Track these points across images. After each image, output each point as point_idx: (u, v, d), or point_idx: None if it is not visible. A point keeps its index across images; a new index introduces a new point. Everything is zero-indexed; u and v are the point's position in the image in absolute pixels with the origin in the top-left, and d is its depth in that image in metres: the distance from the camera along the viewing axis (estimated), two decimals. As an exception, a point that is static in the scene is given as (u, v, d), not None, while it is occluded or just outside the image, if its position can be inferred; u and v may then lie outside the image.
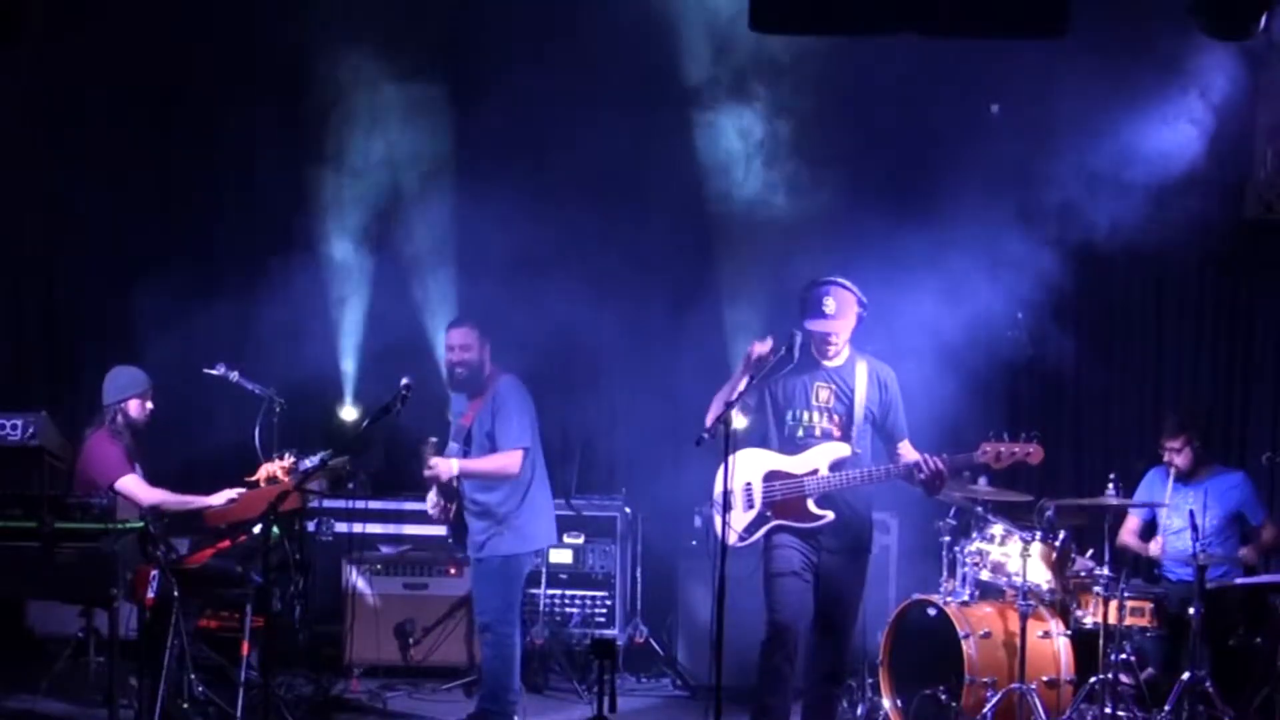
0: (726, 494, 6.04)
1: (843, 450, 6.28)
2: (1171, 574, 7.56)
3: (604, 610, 8.28)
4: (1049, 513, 7.13)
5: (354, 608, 8.05)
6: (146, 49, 8.76)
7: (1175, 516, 7.34)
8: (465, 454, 6.85)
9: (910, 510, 7.85)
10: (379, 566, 8.11)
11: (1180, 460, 7.48)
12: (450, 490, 6.88)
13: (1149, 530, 7.73)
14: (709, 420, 6.17)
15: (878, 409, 6.37)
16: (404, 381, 6.45)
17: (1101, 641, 6.88)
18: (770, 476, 6.33)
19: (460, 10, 8.53)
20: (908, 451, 6.36)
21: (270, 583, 6.86)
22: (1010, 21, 6.74)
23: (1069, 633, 7.05)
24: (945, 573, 7.26)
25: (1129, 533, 7.73)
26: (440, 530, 7.28)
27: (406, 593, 8.00)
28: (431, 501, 6.92)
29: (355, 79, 8.54)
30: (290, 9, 8.46)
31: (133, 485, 6.97)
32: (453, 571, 7.98)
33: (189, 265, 8.77)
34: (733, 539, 6.26)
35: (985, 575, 7.15)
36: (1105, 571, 6.93)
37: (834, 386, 6.34)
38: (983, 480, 7.22)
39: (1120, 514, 7.30)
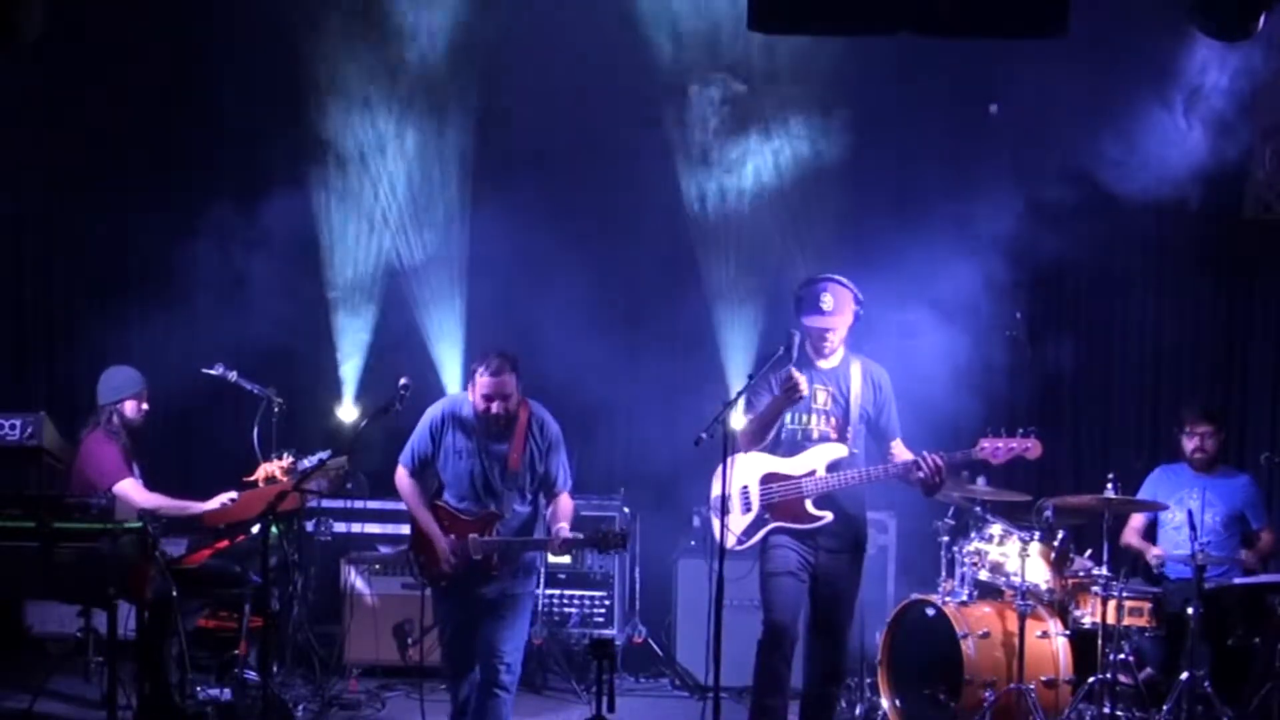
0: (725, 495, 6.04)
1: (840, 451, 6.28)
2: (1171, 572, 7.56)
3: (603, 610, 8.28)
4: (1047, 512, 7.13)
5: (352, 608, 8.04)
6: (147, 50, 8.78)
7: (1178, 511, 7.34)
8: (508, 500, 6.26)
9: (909, 510, 7.86)
10: (377, 566, 8.11)
11: (1210, 446, 7.52)
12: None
13: (1153, 529, 7.73)
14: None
15: (872, 409, 6.37)
16: (402, 381, 6.30)
17: (1100, 641, 6.88)
18: (768, 479, 6.33)
19: (461, 20, 8.53)
20: (900, 451, 6.37)
21: (269, 583, 6.83)
22: (1010, 21, 6.72)
23: (1068, 633, 7.05)
24: (944, 572, 7.26)
25: (1133, 532, 7.73)
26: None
27: (405, 593, 7.97)
28: (452, 549, 6.22)
29: (360, 84, 8.54)
30: (292, 9, 8.46)
31: (130, 490, 6.96)
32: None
33: (189, 265, 8.77)
34: (731, 542, 6.26)
35: (984, 575, 7.15)
36: (1104, 571, 6.93)
37: (830, 389, 6.34)
38: (981, 480, 7.23)
39: (1119, 513, 7.29)
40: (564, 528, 6.23)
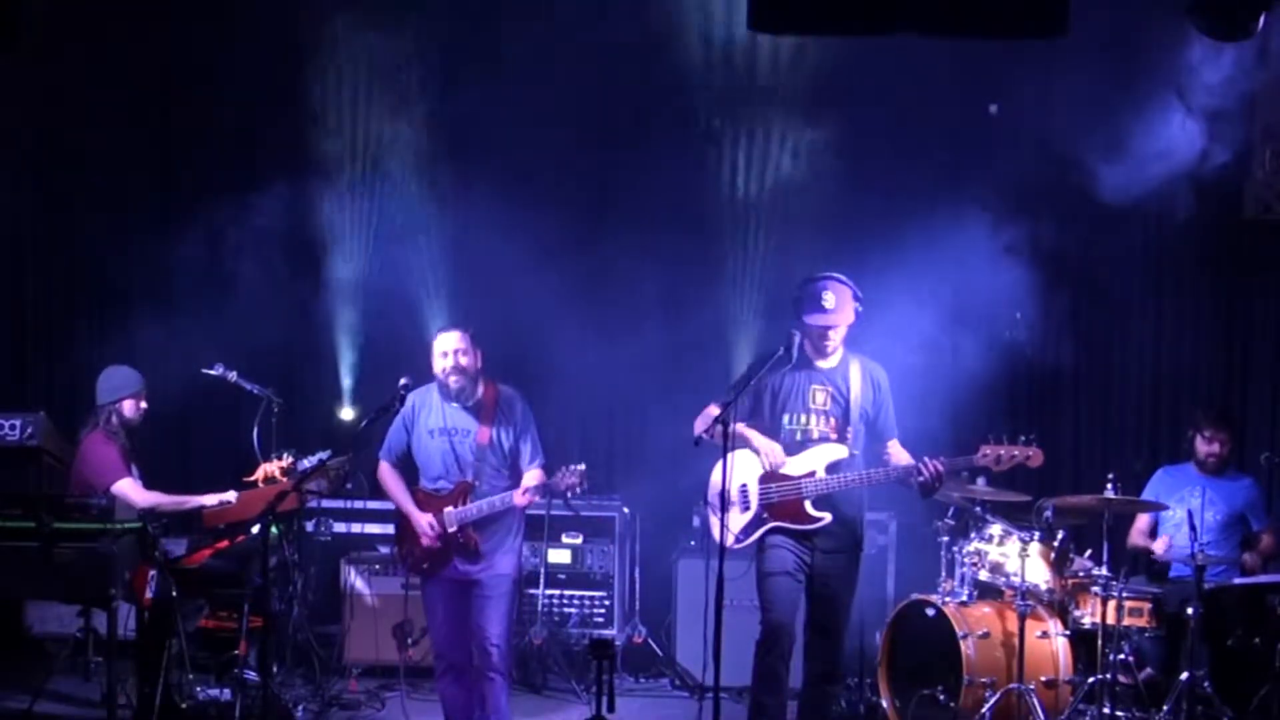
0: (725, 494, 6.04)
1: (840, 452, 6.27)
2: (1174, 571, 7.56)
3: (602, 610, 8.28)
4: (1047, 512, 7.13)
5: (352, 608, 8.05)
6: (146, 52, 8.79)
7: (1179, 509, 7.34)
8: (480, 470, 6.49)
9: (908, 510, 7.86)
10: (377, 566, 8.11)
11: (1226, 451, 7.53)
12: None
13: (1158, 530, 7.72)
14: (697, 426, 6.19)
15: (871, 408, 6.37)
16: (402, 381, 6.44)
17: (1100, 642, 6.88)
18: (766, 478, 6.32)
19: (459, 15, 8.52)
20: (896, 450, 6.36)
21: (268, 583, 6.84)
22: (1010, 21, 6.72)
23: (1067, 633, 7.05)
24: (944, 573, 7.26)
25: (1139, 533, 7.73)
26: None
27: (404, 592, 7.98)
28: (429, 522, 6.45)
29: (360, 84, 8.54)
30: (290, 12, 8.46)
31: (128, 488, 6.97)
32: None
33: (189, 265, 8.77)
34: (729, 540, 6.26)
35: (984, 575, 7.15)
36: (1104, 571, 6.93)
37: (830, 389, 6.33)
38: (981, 480, 7.22)
39: (1119, 513, 7.29)
40: (529, 485, 6.44)
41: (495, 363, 6.78)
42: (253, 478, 7.20)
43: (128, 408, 7.16)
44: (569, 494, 6.50)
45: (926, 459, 6.17)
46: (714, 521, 6.26)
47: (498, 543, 6.49)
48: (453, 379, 6.48)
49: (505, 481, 6.51)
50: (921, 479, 6.15)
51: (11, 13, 7.01)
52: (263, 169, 8.84)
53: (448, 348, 6.50)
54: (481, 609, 6.45)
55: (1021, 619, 6.83)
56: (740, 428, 6.28)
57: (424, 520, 6.46)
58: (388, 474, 6.64)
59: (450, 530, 6.42)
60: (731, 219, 8.59)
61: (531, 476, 6.50)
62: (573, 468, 6.40)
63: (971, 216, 8.04)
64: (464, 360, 6.48)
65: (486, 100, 8.59)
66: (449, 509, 6.43)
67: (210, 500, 7.10)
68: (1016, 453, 6.19)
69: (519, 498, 6.40)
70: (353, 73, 8.56)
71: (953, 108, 8.48)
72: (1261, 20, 6.76)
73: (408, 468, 6.66)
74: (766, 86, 8.38)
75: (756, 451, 6.32)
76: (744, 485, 6.36)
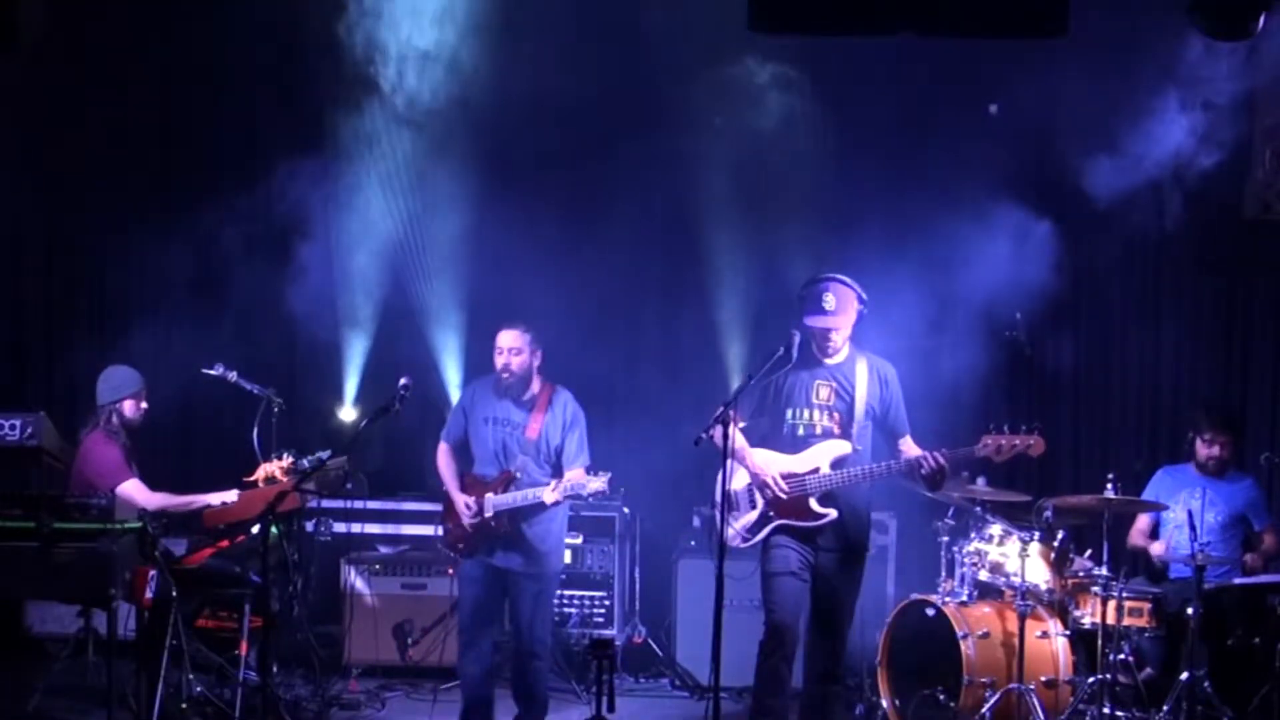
0: (726, 494, 6.04)
1: (844, 448, 6.28)
2: (1171, 571, 7.56)
3: (603, 610, 8.28)
4: (1047, 512, 7.13)
5: (352, 608, 8.05)
6: (146, 53, 8.79)
7: (1179, 511, 7.34)
8: (524, 463, 6.72)
9: (909, 510, 7.86)
10: (377, 566, 8.12)
11: (1227, 454, 7.52)
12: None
13: (1159, 530, 7.71)
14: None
15: (879, 405, 6.37)
16: (403, 381, 6.46)
17: (1100, 641, 6.88)
18: (771, 476, 6.32)
19: (460, 23, 8.53)
20: (910, 448, 6.36)
21: (268, 583, 6.83)
22: (1010, 21, 6.73)
23: (1067, 633, 7.05)
24: (944, 573, 7.26)
25: (1139, 534, 7.72)
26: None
27: (405, 593, 8.00)
28: (467, 502, 6.72)
29: (360, 87, 8.53)
30: (290, 13, 8.46)
31: (134, 490, 6.96)
32: (451, 572, 7.94)
33: (189, 265, 8.77)
34: (737, 540, 6.27)
35: (984, 575, 7.16)
36: (1104, 571, 6.93)
37: (834, 384, 6.34)
38: (981, 480, 7.22)
39: (1119, 513, 7.29)
40: (567, 478, 6.63)
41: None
42: (253, 478, 7.19)
43: (128, 408, 7.16)
44: (592, 499, 6.69)
45: (927, 452, 6.20)
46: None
47: (542, 538, 6.72)
48: (504, 375, 6.75)
49: (547, 477, 6.72)
50: (925, 472, 6.17)
51: (11, 13, 7.02)
52: (263, 169, 8.83)
53: (503, 344, 6.75)
54: (525, 602, 6.75)
55: (1021, 619, 6.83)
56: (743, 450, 6.27)
57: (462, 500, 6.73)
58: (443, 454, 6.92)
59: (486, 515, 6.66)
60: (732, 218, 8.58)
61: (571, 474, 6.67)
62: (599, 474, 6.57)
63: (971, 216, 8.04)
64: (515, 360, 6.73)
65: (485, 100, 8.59)
66: (489, 495, 6.68)
67: (215, 500, 7.11)
68: (1018, 441, 6.20)
69: (549, 495, 6.59)
70: (352, 73, 8.54)
71: (953, 108, 8.48)
72: (1261, 20, 6.77)
73: (466, 454, 6.91)
74: (766, 86, 8.37)
75: (755, 486, 6.33)
76: (749, 484, 6.36)
